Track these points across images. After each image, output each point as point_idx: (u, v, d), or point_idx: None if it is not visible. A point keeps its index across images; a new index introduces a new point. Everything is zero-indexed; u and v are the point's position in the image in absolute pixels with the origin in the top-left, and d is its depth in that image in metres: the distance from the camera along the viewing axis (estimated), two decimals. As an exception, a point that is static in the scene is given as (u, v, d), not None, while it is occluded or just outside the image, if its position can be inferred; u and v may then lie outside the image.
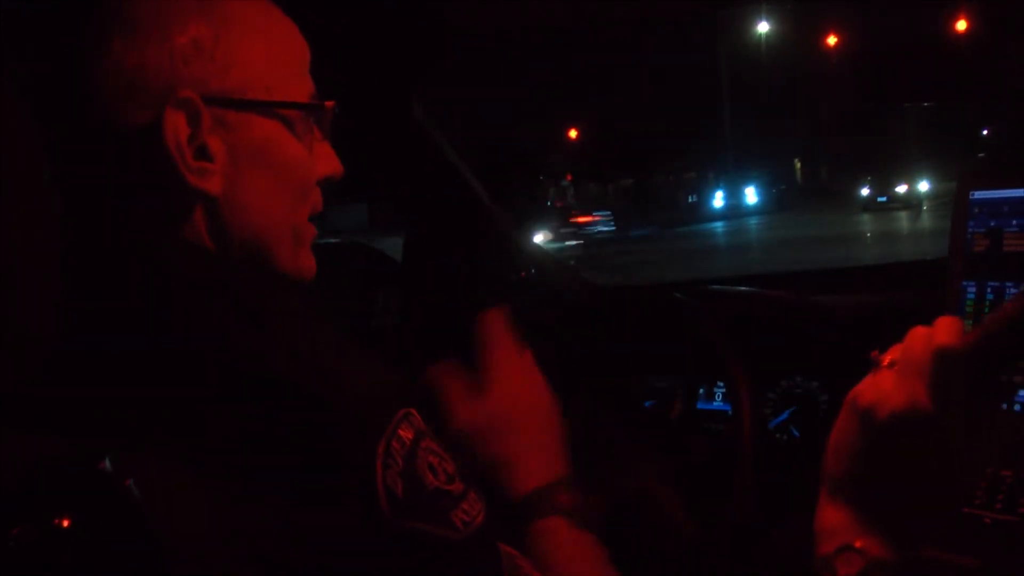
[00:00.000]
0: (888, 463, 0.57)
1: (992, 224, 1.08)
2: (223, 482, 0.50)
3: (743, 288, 1.54)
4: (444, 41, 1.39)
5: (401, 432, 0.54)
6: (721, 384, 1.37)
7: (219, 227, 0.61)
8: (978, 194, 1.10)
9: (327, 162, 0.69)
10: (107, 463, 0.43)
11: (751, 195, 20.63)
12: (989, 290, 1.07)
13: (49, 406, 0.52)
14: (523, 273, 1.55)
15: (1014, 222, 1.07)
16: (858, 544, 0.56)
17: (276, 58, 0.64)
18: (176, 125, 0.58)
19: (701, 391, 1.39)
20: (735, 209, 20.30)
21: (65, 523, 0.41)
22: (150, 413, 0.52)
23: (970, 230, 1.10)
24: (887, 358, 0.59)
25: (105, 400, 0.53)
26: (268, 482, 0.51)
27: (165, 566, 0.44)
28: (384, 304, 1.59)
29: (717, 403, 1.37)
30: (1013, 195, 1.07)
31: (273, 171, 0.63)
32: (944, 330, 0.57)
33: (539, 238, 13.76)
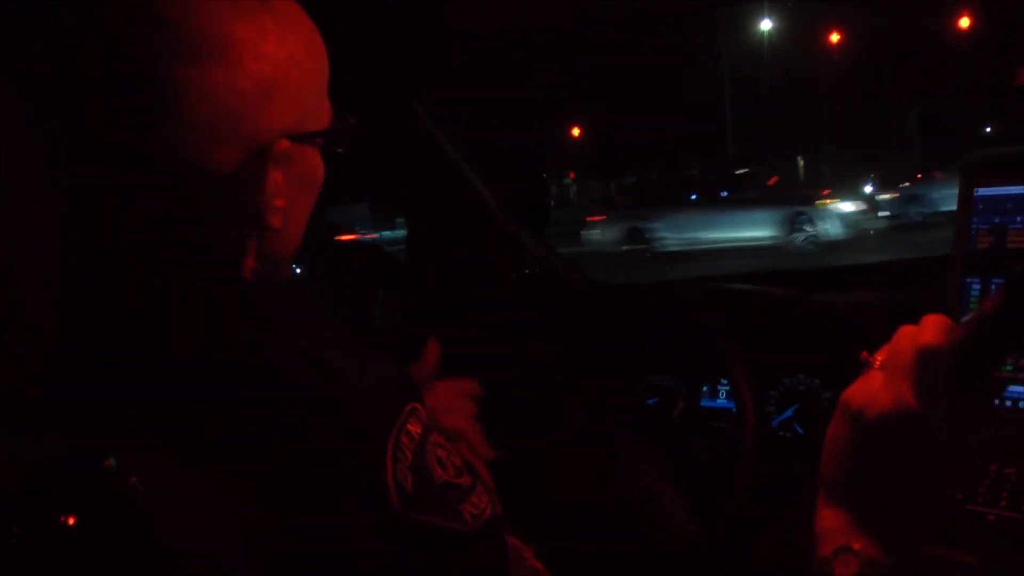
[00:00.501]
0: (879, 463, 0.57)
1: (996, 221, 1.08)
2: (229, 481, 0.50)
3: (746, 286, 1.53)
4: (445, 41, 1.39)
5: (410, 426, 0.55)
6: (724, 382, 1.37)
7: (268, 252, 0.63)
8: (982, 191, 1.10)
9: None
10: (112, 462, 0.43)
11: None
12: (993, 287, 1.07)
13: (53, 405, 0.52)
14: (526, 271, 1.55)
15: (1018, 219, 1.06)
16: (855, 546, 0.56)
17: (320, 80, 0.65)
18: (273, 175, 0.59)
19: (704, 389, 1.39)
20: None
21: (70, 521, 0.41)
22: (155, 412, 0.52)
23: (974, 227, 1.09)
24: (877, 359, 0.59)
25: (109, 399, 0.53)
26: (275, 480, 0.51)
27: (169, 564, 0.44)
28: (385, 303, 1.59)
29: (720, 401, 1.37)
30: (1017, 192, 1.07)
31: (311, 194, 0.66)
32: (929, 329, 0.57)
33: (853, 207, 12.10)
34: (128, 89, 0.56)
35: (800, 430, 1.28)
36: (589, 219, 14.47)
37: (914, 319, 0.61)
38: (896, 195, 14.94)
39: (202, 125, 0.57)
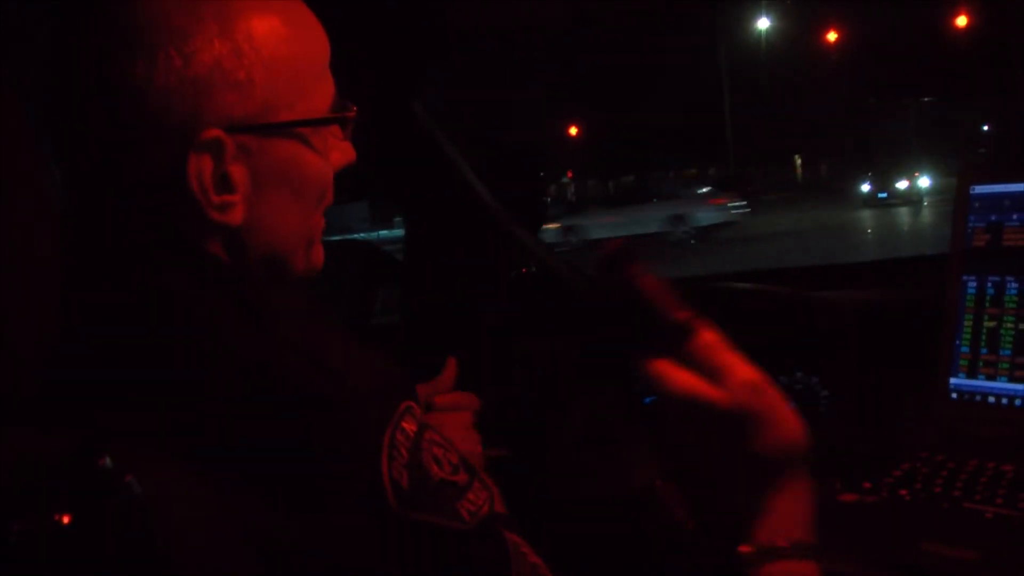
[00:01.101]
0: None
1: (992, 219, 1.08)
2: (226, 480, 0.50)
3: (744, 284, 1.54)
4: (444, 39, 1.39)
5: (405, 424, 0.54)
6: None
7: (237, 248, 0.61)
8: (978, 188, 1.10)
9: (342, 154, 0.67)
10: (107, 460, 0.43)
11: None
12: (990, 284, 1.07)
13: (50, 403, 0.52)
14: (524, 270, 1.55)
15: (1014, 216, 1.07)
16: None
17: (298, 67, 0.61)
18: (200, 167, 0.57)
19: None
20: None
21: (65, 519, 0.41)
22: (151, 410, 0.52)
23: (970, 225, 1.10)
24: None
25: (105, 397, 0.53)
26: (271, 479, 0.51)
27: (166, 563, 0.45)
28: (384, 302, 1.59)
29: (718, 399, 1.37)
30: (1013, 189, 1.08)
31: (292, 188, 0.62)
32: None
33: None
34: (91, 90, 0.56)
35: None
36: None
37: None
38: (557, 226, 15.71)
39: (137, 121, 0.56)
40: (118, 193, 0.59)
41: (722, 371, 0.62)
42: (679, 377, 0.62)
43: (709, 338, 0.64)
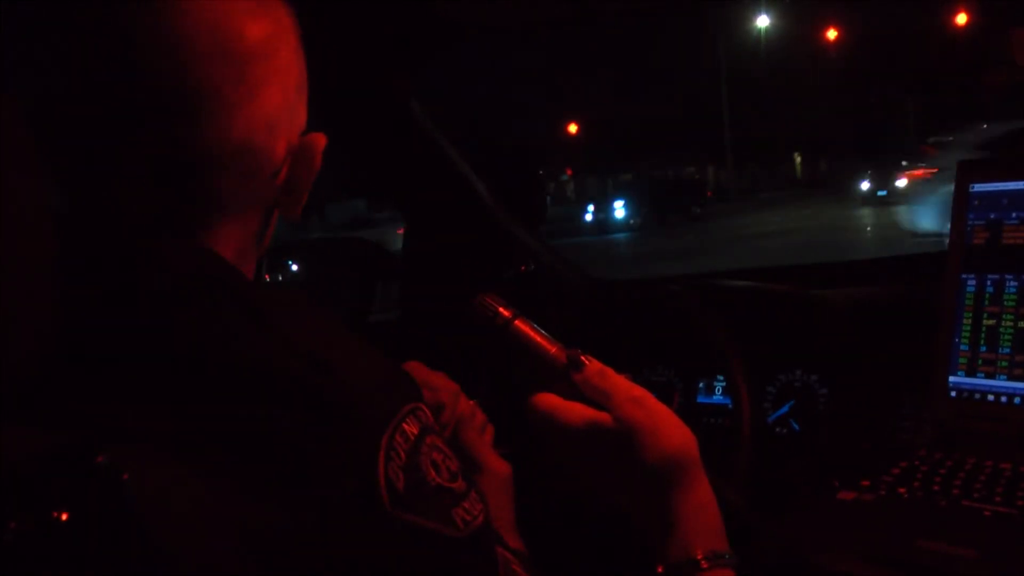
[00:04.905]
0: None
1: (991, 216, 1.08)
2: (222, 477, 0.50)
3: (743, 282, 1.53)
4: (443, 37, 1.39)
5: (405, 426, 0.54)
6: (720, 378, 1.37)
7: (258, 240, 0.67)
8: (977, 187, 1.10)
9: None
10: (104, 457, 0.43)
11: (619, 209, 20.29)
12: (989, 283, 1.07)
13: (47, 401, 0.52)
14: (523, 267, 1.55)
15: (1013, 214, 1.07)
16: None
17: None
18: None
19: (700, 385, 1.39)
20: (603, 224, 19.33)
21: (63, 516, 0.41)
22: (147, 407, 0.52)
23: (969, 222, 1.10)
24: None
25: (103, 395, 0.53)
26: (268, 476, 0.51)
27: (161, 560, 0.45)
28: (382, 298, 1.59)
29: (717, 397, 1.37)
30: (1012, 188, 1.07)
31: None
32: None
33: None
34: (164, 88, 0.57)
35: (796, 426, 1.29)
36: None
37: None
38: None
39: (260, 123, 0.61)
40: (121, 185, 0.59)
41: (607, 394, 0.66)
42: (565, 408, 0.66)
43: (593, 367, 0.68)
